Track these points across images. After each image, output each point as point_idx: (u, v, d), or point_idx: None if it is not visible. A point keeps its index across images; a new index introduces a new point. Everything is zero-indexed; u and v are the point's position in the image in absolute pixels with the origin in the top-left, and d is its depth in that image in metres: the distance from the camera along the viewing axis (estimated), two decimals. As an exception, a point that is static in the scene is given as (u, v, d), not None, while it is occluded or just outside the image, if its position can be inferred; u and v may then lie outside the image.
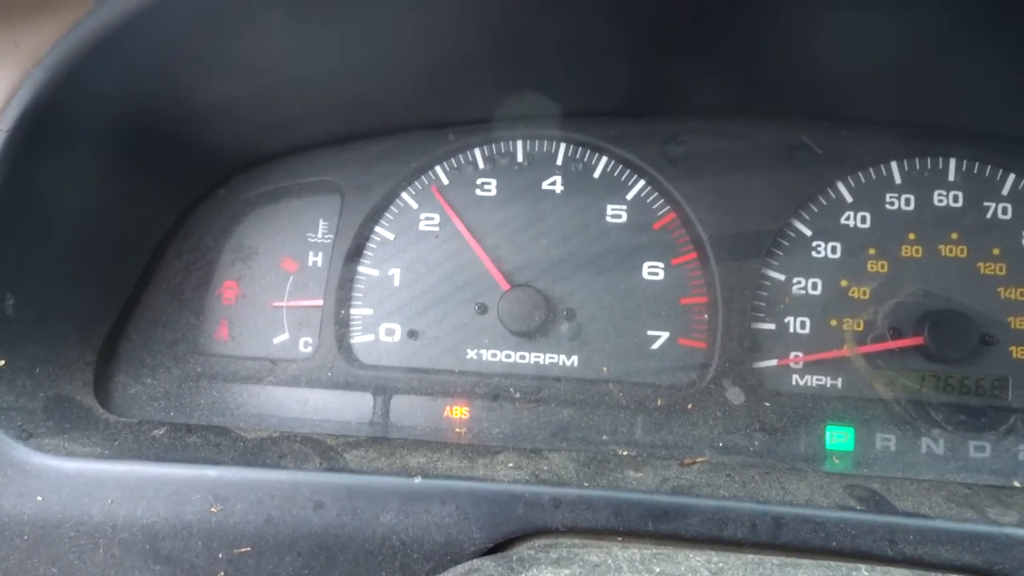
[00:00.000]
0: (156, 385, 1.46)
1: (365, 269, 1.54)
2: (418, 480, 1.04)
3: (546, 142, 1.54)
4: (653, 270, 1.50)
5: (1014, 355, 1.42)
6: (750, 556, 0.89)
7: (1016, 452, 1.38)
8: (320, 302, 1.52)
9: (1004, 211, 1.46)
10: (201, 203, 1.54)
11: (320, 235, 1.56)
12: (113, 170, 1.33)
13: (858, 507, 1.03)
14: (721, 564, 0.83)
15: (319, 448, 1.17)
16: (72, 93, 1.14)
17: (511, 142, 1.54)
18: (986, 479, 1.28)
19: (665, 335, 1.48)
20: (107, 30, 1.09)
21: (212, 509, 1.03)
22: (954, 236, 1.46)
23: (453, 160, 1.55)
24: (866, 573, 0.82)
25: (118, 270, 1.45)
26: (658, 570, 0.80)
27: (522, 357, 1.49)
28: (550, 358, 1.48)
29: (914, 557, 0.97)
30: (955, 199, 1.48)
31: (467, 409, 1.46)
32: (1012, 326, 1.43)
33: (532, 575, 0.80)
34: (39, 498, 1.05)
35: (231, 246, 1.56)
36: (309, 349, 1.52)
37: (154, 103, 1.29)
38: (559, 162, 1.54)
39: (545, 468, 1.11)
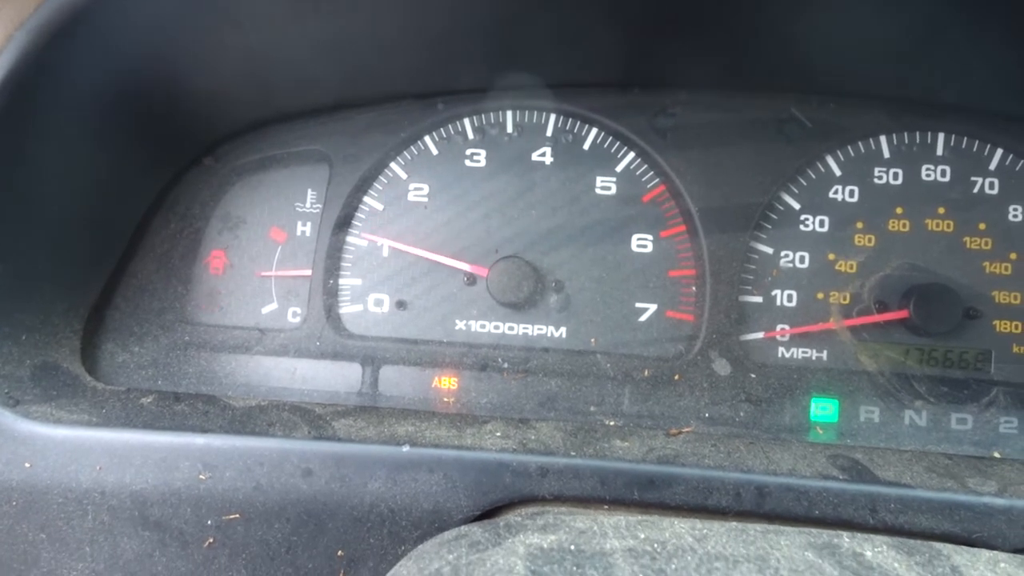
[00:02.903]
0: (143, 353, 1.46)
1: (354, 239, 1.53)
2: (406, 448, 1.05)
3: (536, 113, 1.53)
4: (642, 242, 1.50)
5: (997, 329, 1.44)
6: (734, 523, 0.90)
7: (997, 424, 1.40)
8: (308, 272, 1.52)
9: (991, 186, 1.47)
10: (188, 172, 1.53)
11: (308, 205, 1.55)
12: (98, 139, 1.32)
13: (841, 476, 1.05)
14: (705, 531, 0.84)
15: (307, 417, 1.17)
16: (55, 62, 1.12)
17: (501, 112, 1.54)
18: (967, 450, 1.30)
19: (653, 307, 1.48)
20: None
21: (201, 476, 1.04)
22: (941, 211, 1.47)
23: (442, 130, 1.54)
24: (847, 540, 0.83)
25: (105, 238, 1.44)
26: (643, 536, 0.81)
27: (511, 328, 1.49)
28: (538, 329, 1.49)
29: (895, 525, 0.99)
30: (943, 174, 1.48)
31: (456, 379, 1.47)
32: (996, 300, 1.44)
33: (519, 540, 0.80)
34: (27, 465, 1.05)
35: (218, 215, 1.55)
36: (297, 319, 1.52)
37: (139, 72, 1.27)
38: (549, 133, 1.53)
39: (532, 437, 1.12)
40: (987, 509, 0.99)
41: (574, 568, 0.73)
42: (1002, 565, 0.81)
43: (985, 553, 0.84)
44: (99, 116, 1.29)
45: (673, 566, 0.73)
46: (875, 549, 0.81)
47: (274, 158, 1.56)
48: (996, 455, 1.22)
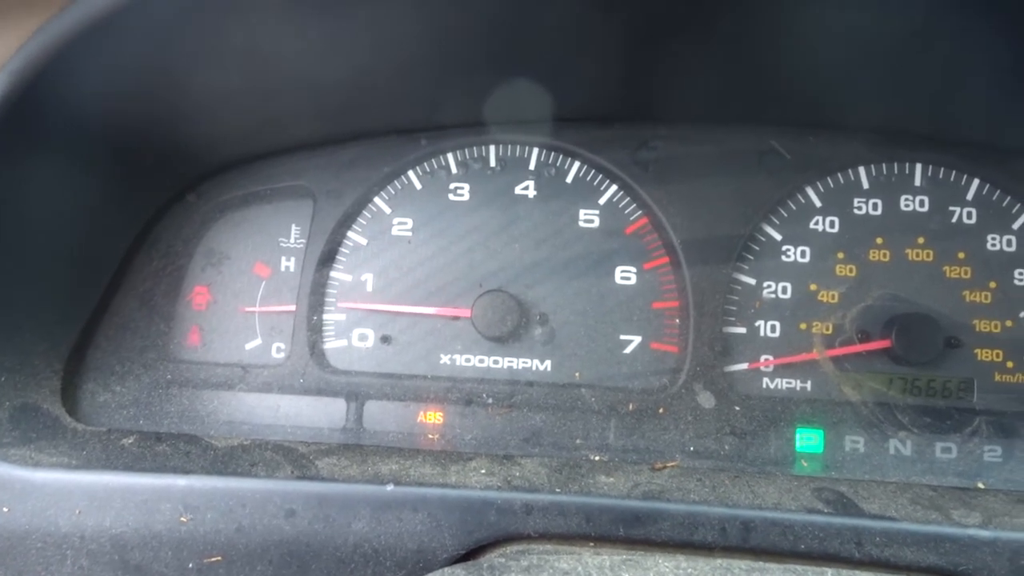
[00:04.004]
0: (125, 393, 1.45)
1: (338, 274, 1.53)
2: (390, 488, 1.05)
3: (519, 147, 1.54)
4: (625, 274, 1.51)
5: (979, 357, 1.45)
6: (719, 561, 0.90)
7: (981, 454, 1.41)
8: (293, 308, 1.51)
9: (969, 215, 1.49)
10: (170, 208, 1.53)
11: (292, 240, 1.55)
12: (80, 175, 1.32)
13: (826, 510, 1.05)
14: (690, 570, 0.84)
15: (290, 456, 1.17)
16: (39, 97, 1.12)
17: (484, 147, 1.55)
18: (951, 481, 1.31)
19: (637, 339, 1.49)
20: (76, 33, 1.07)
21: (182, 519, 1.03)
22: (920, 240, 1.48)
23: (426, 164, 1.55)
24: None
25: (86, 276, 1.43)
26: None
27: (495, 362, 1.49)
28: (523, 363, 1.49)
29: (880, 559, 0.99)
30: (921, 204, 1.50)
31: (441, 414, 1.46)
32: (976, 328, 1.45)
33: (502, 583, 0.80)
34: (5, 509, 1.04)
35: (201, 251, 1.55)
36: (281, 355, 1.51)
37: (122, 108, 1.27)
38: (532, 167, 1.54)
39: (517, 474, 1.12)
40: (972, 541, 0.99)
41: (557, 612, 0.72)
42: (986, 601, 0.81)
43: (970, 588, 0.85)
44: (81, 152, 1.29)
45: (657, 608, 0.73)
46: (860, 587, 0.81)
47: (257, 194, 1.56)
48: (980, 486, 1.22)
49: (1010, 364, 1.44)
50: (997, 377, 1.45)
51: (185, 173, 1.52)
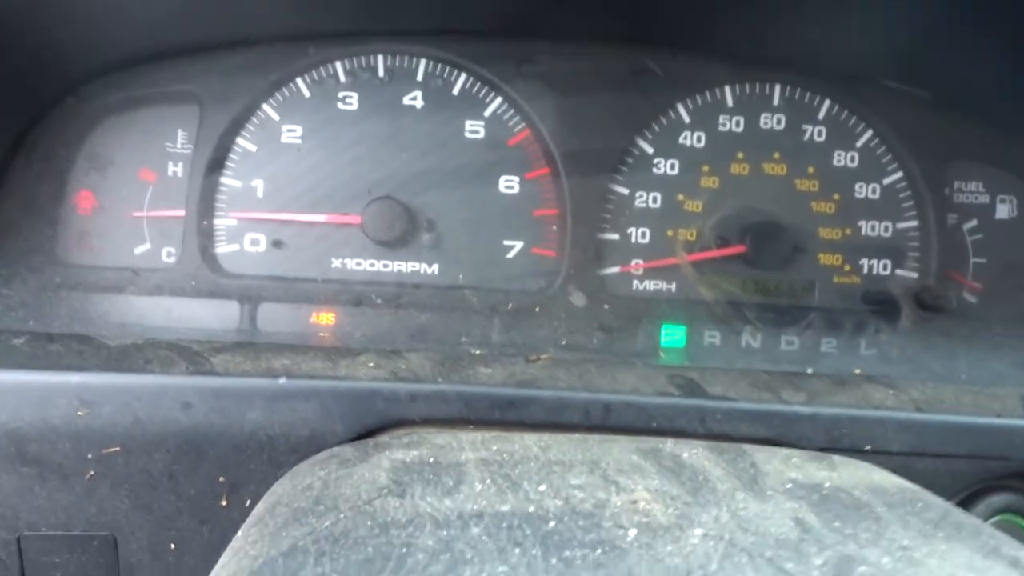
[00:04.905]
0: (12, 295, 1.44)
1: (228, 180, 1.55)
2: (283, 380, 1.11)
3: (407, 58, 1.58)
4: (509, 184, 1.59)
5: (821, 261, 1.62)
6: (576, 436, 1.02)
7: (818, 345, 1.59)
8: (182, 212, 1.53)
9: (819, 133, 1.64)
10: (49, 112, 1.50)
11: (179, 145, 1.55)
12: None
13: (676, 392, 1.18)
14: (550, 442, 0.96)
15: (185, 353, 1.20)
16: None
17: (372, 57, 1.57)
18: (787, 367, 1.48)
19: (519, 244, 1.59)
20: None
21: (79, 413, 1.07)
22: (776, 155, 1.62)
23: (315, 73, 1.57)
24: (670, 445, 0.97)
25: (-37, 180, 1.41)
26: (495, 448, 0.92)
27: (385, 266, 1.57)
28: (411, 266, 1.57)
29: (720, 433, 1.14)
30: (778, 122, 1.63)
31: (332, 315, 1.53)
32: (821, 236, 1.62)
33: (384, 456, 0.90)
34: None
35: (84, 155, 1.53)
36: (172, 259, 1.53)
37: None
38: (419, 78, 1.58)
39: (403, 367, 1.20)
40: (795, 416, 1.15)
41: (432, 476, 0.83)
42: (794, 460, 0.96)
43: (782, 451, 1.00)
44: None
45: (518, 471, 0.84)
46: (691, 451, 0.95)
47: (141, 97, 1.54)
48: (809, 371, 1.40)
49: (847, 267, 1.63)
50: (836, 279, 1.63)
51: (63, 76, 1.48)
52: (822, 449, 1.13)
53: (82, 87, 1.51)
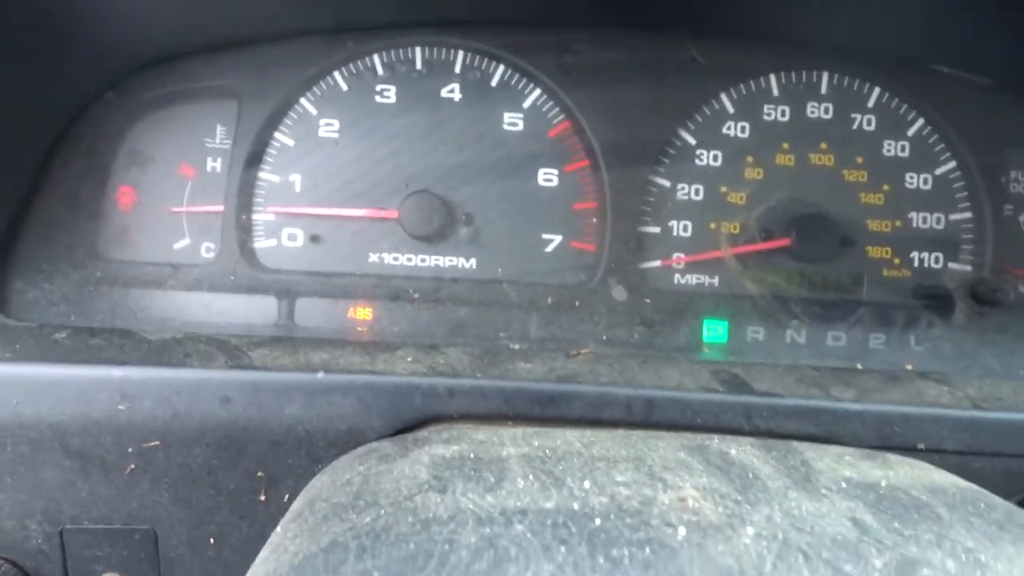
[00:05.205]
0: (55, 290, 1.46)
1: (265, 175, 1.55)
2: (321, 375, 1.10)
3: (444, 50, 1.56)
4: (547, 176, 1.57)
5: (870, 255, 1.57)
6: (620, 431, 1.00)
7: (865, 340, 1.55)
8: (221, 207, 1.53)
9: (868, 123, 1.59)
10: (91, 107, 1.51)
11: (218, 140, 1.55)
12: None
13: (721, 389, 1.15)
14: (593, 438, 0.93)
15: (224, 347, 1.21)
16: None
17: (409, 49, 1.56)
18: (834, 363, 1.44)
19: (558, 238, 1.56)
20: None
21: (119, 407, 1.07)
22: (823, 146, 1.58)
23: (352, 66, 1.56)
24: (716, 441, 0.94)
25: (8, 177, 1.42)
26: (536, 443, 0.90)
27: (423, 260, 1.55)
28: (449, 261, 1.55)
29: (766, 430, 1.10)
30: (826, 111, 1.59)
31: (370, 310, 1.52)
32: (869, 228, 1.57)
33: (424, 452, 0.88)
34: (-60, 400, 1.06)
35: (125, 151, 1.54)
36: (211, 254, 1.54)
37: (37, 2, 1.24)
38: (457, 70, 1.56)
39: (441, 362, 1.19)
40: (845, 413, 1.11)
41: (472, 472, 0.81)
42: (846, 458, 0.93)
43: (833, 448, 0.97)
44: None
45: (561, 467, 0.82)
46: (739, 448, 0.92)
47: (180, 93, 1.54)
48: (858, 367, 1.35)
49: (897, 260, 1.58)
50: (886, 272, 1.58)
51: (105, 71, 1.49)
52: (873, 447, 1.09)
53: (122, 82, 1.52)
